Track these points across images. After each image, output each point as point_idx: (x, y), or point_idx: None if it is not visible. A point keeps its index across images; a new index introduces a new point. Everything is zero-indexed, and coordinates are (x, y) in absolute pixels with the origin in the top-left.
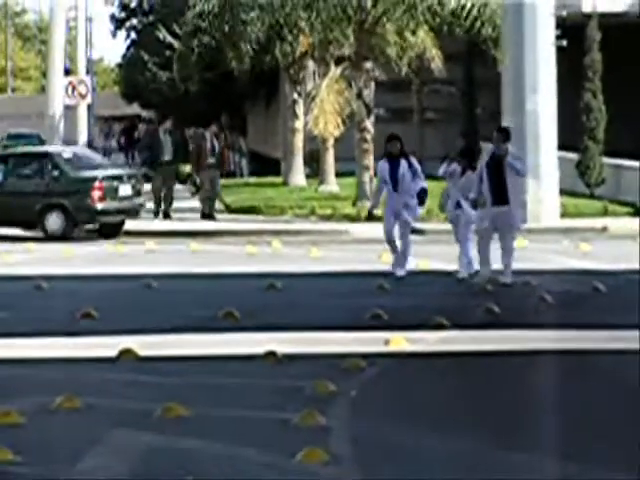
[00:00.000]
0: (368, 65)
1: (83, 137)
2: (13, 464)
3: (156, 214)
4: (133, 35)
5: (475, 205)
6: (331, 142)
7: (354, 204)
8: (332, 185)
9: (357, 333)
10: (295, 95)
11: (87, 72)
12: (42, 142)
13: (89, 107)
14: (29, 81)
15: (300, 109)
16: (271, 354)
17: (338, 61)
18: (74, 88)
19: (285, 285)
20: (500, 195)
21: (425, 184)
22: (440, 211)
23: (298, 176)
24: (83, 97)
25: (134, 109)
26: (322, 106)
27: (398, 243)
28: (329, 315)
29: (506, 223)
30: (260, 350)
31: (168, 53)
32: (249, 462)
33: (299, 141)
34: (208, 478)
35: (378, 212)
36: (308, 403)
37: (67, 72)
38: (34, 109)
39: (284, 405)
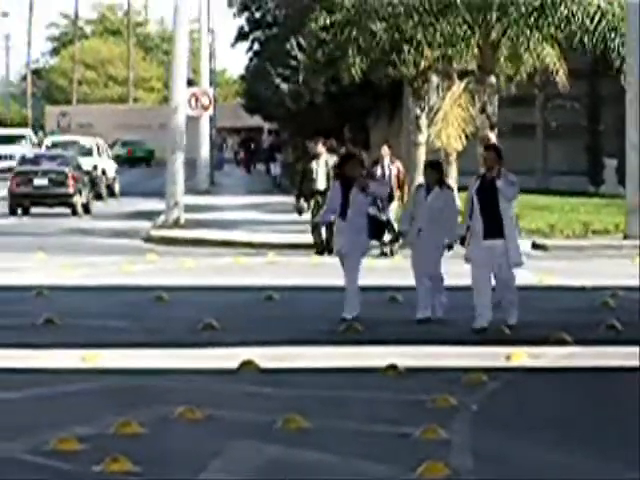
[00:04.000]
0: (492, 79)
1: (205, 148)
2: (132, 475)
3: (320, 251)
4: (256, 47)
5: (463, 242)
6: (454, 156)
7: None
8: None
9: (479, 347)
10: (418, 109)
11: (210, 84)
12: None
13: (211, 118)
14: (151, 92)
15: (423, 123)
16: (392, 367)
17: (462, 75)
18: (197, 99)
19: (406, 298)
20: (494, 226)
21: (380, 215)
22: (398, 236)
23: None
24: (205, 108)
25: (256, 121)
26: (446, 120)
27: (346, 278)
28: (450, 329)
29: (502, 255)
30: (382, 363)
31: (293, 65)
32: (369, 475)
33: (422, 155)
34: None
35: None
36: (429, 417)
37: (190, 83)
38: (156, 120)
39: (405, 418)
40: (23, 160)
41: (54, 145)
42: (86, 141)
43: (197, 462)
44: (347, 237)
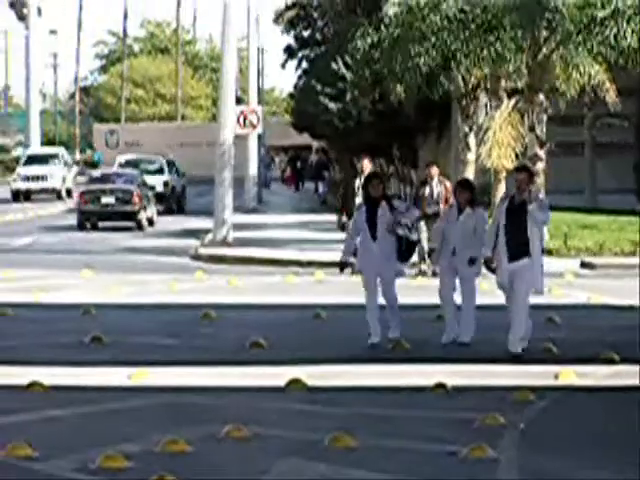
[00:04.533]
0: (541, 98)
1: (253, 165)
2: None
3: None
4: (305, 65)
5: (489, 266)
6: (503, 175)
7: None
8: None
9: (527, 366)
10: (466, 128)
11: (258, 102)
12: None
13: (259, 136)
14: (199, 110)
15: (472, 141)
16: (440, 386)
17: (510, 94)
18: (245, 117)
19: None
20: (520, 248)
21: (410, 234)
22: (432, 261)
23: None
24: (254, 127)
25: (305, 139)
26: (494, 139)
27: (386, 301)
28: (498, 348)
29: (524, 278)
30: (429, 381)
31: (340, 85)
32: None
33: (470, 173)
34: None
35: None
36: (477, 435)
37: (238, 101)
38: (204, 137)
39: (453, 437)
40: (91, 179)
41: (127, 163)
42: (157, 159)
43: None
44: (378, 258)
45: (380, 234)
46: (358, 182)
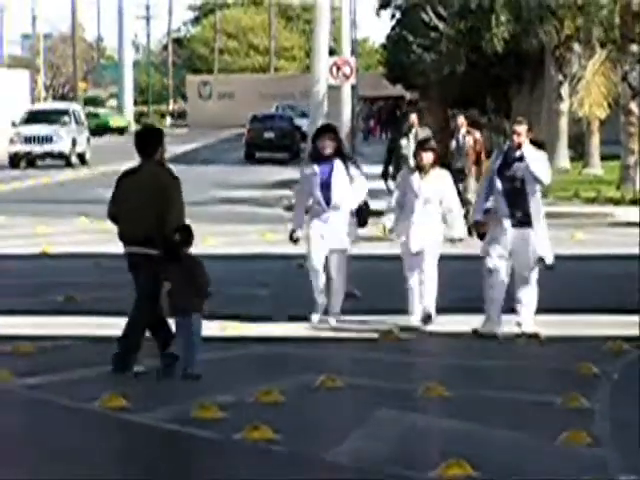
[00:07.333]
0: (634, 47)
1: (346, 117)
2: (273, 443)
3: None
4: (398, 15)
5: (480, 232)
6: (596, 125)
7: (618, 187)
8: (597, 168)
9: (620, 316)
10: (560, 77)
11: (352, 53)
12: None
13: (353, 87)
14: (292, 61)
15: (565, 92)
16: (534, 336)
17: (604, 44)
18: (338, 68)
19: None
20: (519, 212)
21: (366, 198)
22: (385, 232)
23: (562, 159)
24: (347, 77)
25: (398, 90)
26: (588, 88)
27: (333, 277)
28: (592, 298)
29: (526, 250)
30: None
31: (433, 35)
32: (510, 443)
33: (564, 124)
34: (468, 459)
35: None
36: (571, 385)
37: (331, 52)
38: (297, 89)
39: (547, 387)
40: (254, 118)
41: (278, 107)
42: (304, 105)
43: (338, 431)
44: (331, 228)
45: (335, 200)
46: (405, 141)
